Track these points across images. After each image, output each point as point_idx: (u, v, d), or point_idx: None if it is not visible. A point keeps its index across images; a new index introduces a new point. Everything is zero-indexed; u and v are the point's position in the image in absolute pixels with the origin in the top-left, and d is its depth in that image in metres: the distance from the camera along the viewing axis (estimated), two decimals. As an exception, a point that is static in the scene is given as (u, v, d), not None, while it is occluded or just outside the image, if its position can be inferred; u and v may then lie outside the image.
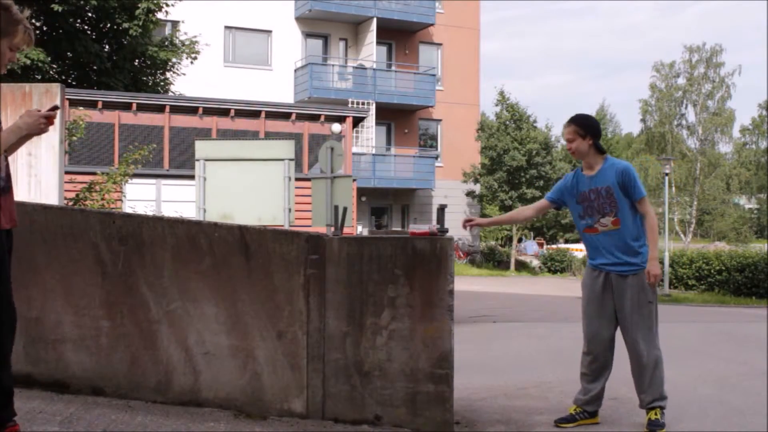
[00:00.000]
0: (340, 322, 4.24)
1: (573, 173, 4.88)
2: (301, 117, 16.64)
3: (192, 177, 10.29)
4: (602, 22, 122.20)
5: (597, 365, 4.74)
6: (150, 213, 10.43)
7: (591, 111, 67.96)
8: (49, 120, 3.10)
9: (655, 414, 4.62)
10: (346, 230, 4.66)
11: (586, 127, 4.69)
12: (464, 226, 4.94)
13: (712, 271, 21.42)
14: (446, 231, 4.46)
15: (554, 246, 39.10)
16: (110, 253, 4.28)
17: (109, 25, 16.13)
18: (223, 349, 4.25)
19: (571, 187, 4.81)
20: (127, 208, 11.86)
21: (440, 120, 33.29)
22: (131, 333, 4.28)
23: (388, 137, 32.71)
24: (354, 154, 24.29)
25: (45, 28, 15.73)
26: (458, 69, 33.29)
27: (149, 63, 17.12)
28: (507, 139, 31.38)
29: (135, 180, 11.56)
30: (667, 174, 25.71)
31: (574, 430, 4.71)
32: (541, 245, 39.61)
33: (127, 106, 15.24)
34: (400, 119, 32.33)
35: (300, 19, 30.86)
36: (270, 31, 30.48)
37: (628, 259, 4.61)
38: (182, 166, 15.27)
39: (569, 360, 7.66)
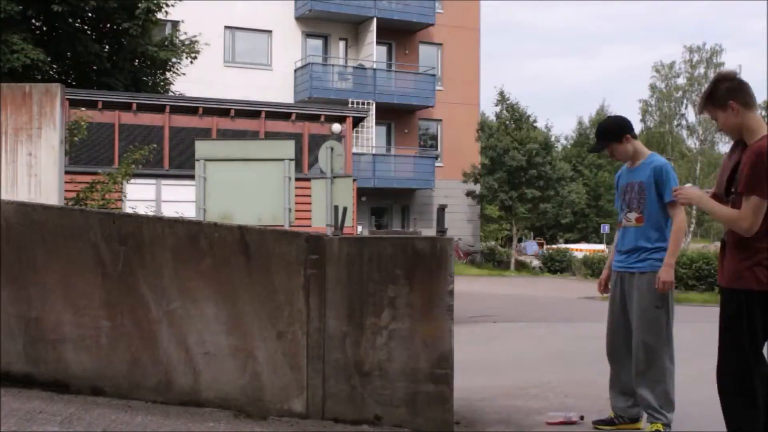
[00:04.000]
0: (340, 322, 4.24)
1: (622, 168, 4.84)
2: (301, 117, 16.62)
3: (192, 177, 10.27)
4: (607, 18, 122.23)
5: (616, 370, 4.68)
6: (150, 213, 10.43)
7: (590, 110, 67.98)
8: None
9: (655, 428, 4.46)
10: (346, 230, 4.66)
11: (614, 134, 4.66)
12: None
13: (712, 271, 21.39)
14: (446, 231, 4.46)
15: (554, 246, 39.10)
16: (110, 253, 4.28)
17: (108, 25, 16.12)
18: (223, 349, 4.25)
19: (617, 181, 4.83)
20: (128, 208, 11.85)
21: (440, 120, 33.28)
22: (131, 333, 4.28)
23: (388, 137, 32.70)
24: (354, 154, 24.26)
25: (45, 28, 15.73)
26: (458, 69, 33.27)
27: (149, 63, 17.10)
28: (507, 139, 31.36)
29: (135, 180, 11.54)
30: (667, 174, 25.66)
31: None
32: (541, 245, 39.64)
33: (127, 106, 15.23)
34: (400, 119, 32.32)
35: (300, 19, 30.85)
36: (270, 31, 30.47)
37: (638, 257, 4.53)
38: (182, 166, 15.25)
39: (569, 360, 7.67)
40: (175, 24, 22.34)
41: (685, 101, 45.23)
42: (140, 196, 13.29)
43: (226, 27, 29.55)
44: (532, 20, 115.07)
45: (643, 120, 46.46)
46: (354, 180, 14.84)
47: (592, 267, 27.28)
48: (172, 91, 18.35)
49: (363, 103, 29.41)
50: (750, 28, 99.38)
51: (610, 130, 4.68)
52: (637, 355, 4.52)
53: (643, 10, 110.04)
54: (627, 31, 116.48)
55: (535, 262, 33.63)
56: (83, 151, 14.32)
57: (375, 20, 30.61)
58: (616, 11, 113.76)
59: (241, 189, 9.85)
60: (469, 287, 20.00)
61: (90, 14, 15.81)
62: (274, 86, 29.45)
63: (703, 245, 34.78)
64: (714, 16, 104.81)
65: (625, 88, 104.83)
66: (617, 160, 4.77)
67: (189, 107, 15.95)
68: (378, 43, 31.21)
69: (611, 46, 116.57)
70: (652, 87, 45.59)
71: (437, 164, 32.08)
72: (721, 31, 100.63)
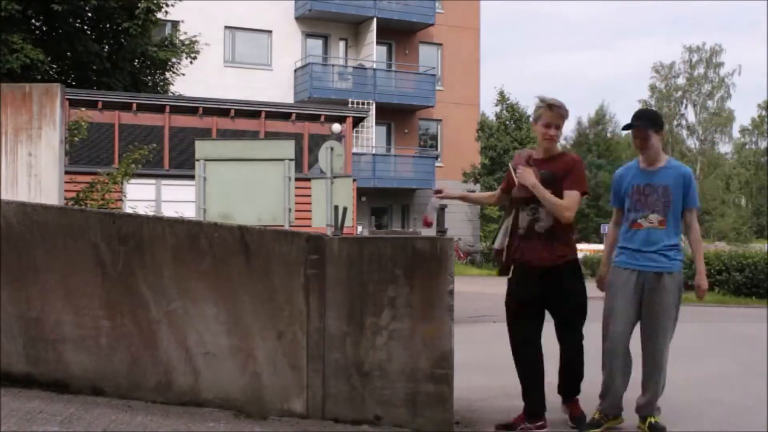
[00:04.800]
0: (340, 322, 4.24)
1: (626, 167, 4.83)
2: (301, 117, 16.61)
3: (192, 177, 10.26)
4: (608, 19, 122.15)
5: (620, 364, 4.70)
6: (150, 213, 10.43)
7: (589, 110, 68.07)
8: None
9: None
10: (346, 230, 4.65)
11: (658, 122, 4.69)
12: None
13: (712, 271, 21.38)
14: (446, 231, 4.46)
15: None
16: (110, 253, 4.28)
17: (108, 25, 16.12)
18: (223, 349, 4.25)
19: (623, 179, 4.76)
20: (128, 208, 11.85)
21: (440, 120, 33.28)
22: (131, 333, 4.28)
23: (388, 137, 32.69)
24: (354, 154, 24.25)
25: (45, 28, 15.73)
26: (458, 69, 33.27)
27: (149, 63, 17.11)
28: (507, 139, 31.37)
29: (135, 180, 11.54)
30: (667, 174, 25.66)
31: None
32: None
33: (127, 106, 15.22)
34: (400, 119, 32.32)
35: (300, 19, 30.84)
36: (270, 31, 30.46)
37: (665, 259, 4.58)
38: (182, 166, 15.24)
39: (569, 360, 7.64)
40: (175, 24, 22.34)
41: (684, 101, 45.27)
42: (140, 196, 13.29)
43: (226, 27, 29.54)
44: (529, 19, 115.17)
45: (643, 120, 46.46)
46: (354, 180, 14.84)
47: (592, 267, 27.27)
48: (172, 91, 18.34)
49: (363, 103, 29.40)
50: (750, 25, 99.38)
51: (655, 118, 4.74)
52: (653, 353, 4.62)
53: (644, 9, 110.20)
54: (627, 31, 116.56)
55: (535, 262, 33.56)
56: (83, 151, 14.31)
57: (375, 20, 30.61)
58: (617, 9, 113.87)
59: (241, 189, 9.85)
60: (469, 287, 19.99)
61: (90, 14, 15.81)
62: (274, 86, 29.45)
63: (703, 245, 34.78)
64: (712, 17, 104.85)
65: (625, 88, 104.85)
66: (638, 149, 4.68)
67: (189, 107, 15.94)
68: (378, 43, 31.21)
69: (611, 45, 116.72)
70: (652, 87, 45.64)
71: (437, 164, 32.06)
72: (723, 30, 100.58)
